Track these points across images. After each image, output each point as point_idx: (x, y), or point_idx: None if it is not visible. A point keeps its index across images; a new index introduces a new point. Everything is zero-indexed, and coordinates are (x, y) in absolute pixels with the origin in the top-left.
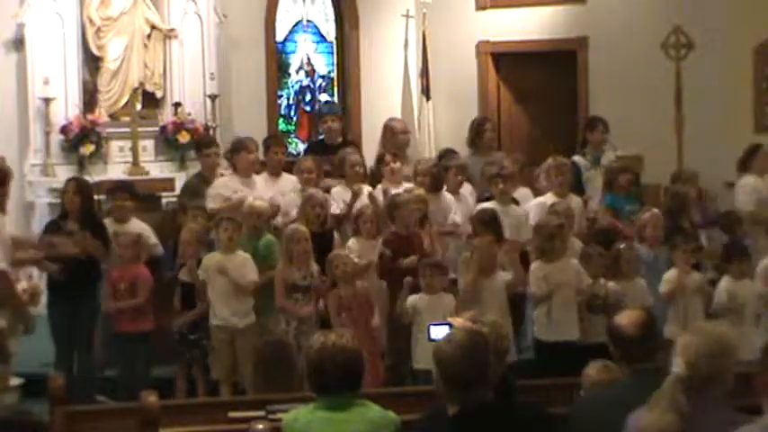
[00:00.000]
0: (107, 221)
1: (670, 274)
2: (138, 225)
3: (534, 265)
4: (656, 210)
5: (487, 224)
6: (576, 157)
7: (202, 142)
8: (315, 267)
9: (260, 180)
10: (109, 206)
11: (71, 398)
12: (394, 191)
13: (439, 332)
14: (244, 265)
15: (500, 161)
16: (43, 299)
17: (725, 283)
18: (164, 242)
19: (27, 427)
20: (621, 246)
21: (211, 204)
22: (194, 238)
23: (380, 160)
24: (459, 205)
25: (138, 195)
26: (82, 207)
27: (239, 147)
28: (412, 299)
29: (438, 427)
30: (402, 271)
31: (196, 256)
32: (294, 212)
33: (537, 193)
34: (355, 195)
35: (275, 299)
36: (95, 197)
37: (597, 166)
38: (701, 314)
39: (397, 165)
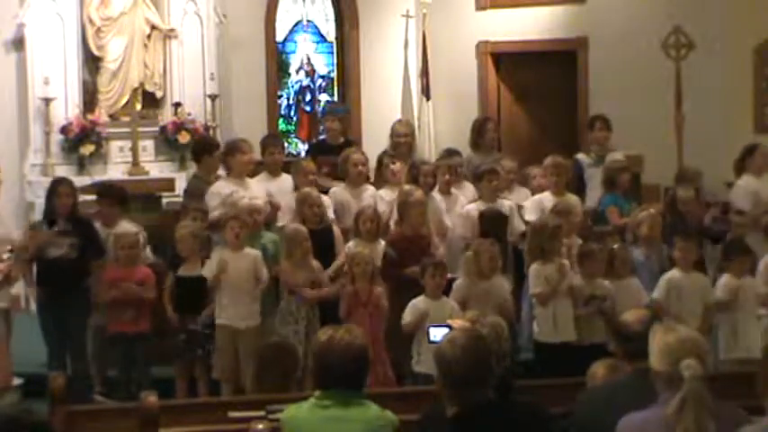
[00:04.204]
0: (96, 226)
1: (726, 281)
2: (127, 227)
3: (534, 266)
4: (653, 210)
5: (491, 224)
6: (580, 155)
7: (212, 145)
8: (315, 264)
9: (258, 180)
10: (94, 210)
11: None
12: (387, 195)
13: (438, 333)
14: (257, 263)
15: (498, 161)
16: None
17: (725, 280)
18: (165, 243)
19: (30, 426)
20: (615, 246)
21: (212, 203)
22: (190, 234)
23: (380, 163)
24: (450, 205)
25: (126, 198)
26: (72, 209)
27: (233, 148)
28: (415, 305)
29: (436, 427)
30: (405, 278)
31: (193, 251)
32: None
33: (531, 191)
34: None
35: (280, 299)
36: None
37: (601, 164)
38: (698, 314)
39: (397, 166)
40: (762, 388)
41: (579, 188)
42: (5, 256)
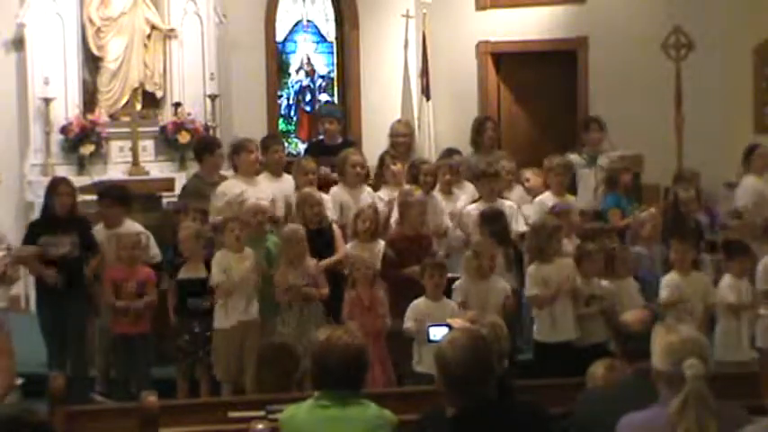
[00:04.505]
0: (99, 227)
1: (729, 282)
2: (132, 227)
3: (532, 268)
4: (653, 209)
5: (491, 224)
6: (572, 156)
7: (213, 143)
8: (311, 263)
9: (261, 180)
10: (96, 211)
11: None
12: (387, 195)
13: (438, 333)
14: (257, 265)
15: (498, 160)
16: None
17: (729, 281)
18: (164, 243)
19: (30, 426)
20: (615, 246)
21: (217, 203)
22: (192, 236)
23: (381, 163)
24: (449, 205)
25: (128, 198)
26: (71, 208)
27: (240, 147)
28: (416, 307)
29: (436, 427)
30: (405, 279)
31: (196, 253)
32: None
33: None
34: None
35: (276, 298)
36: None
37: (593, 164)
38: (698, 314)
39: (398, 166)
40: (764, 387)
41: (571, 189)
42: (1, 254)
